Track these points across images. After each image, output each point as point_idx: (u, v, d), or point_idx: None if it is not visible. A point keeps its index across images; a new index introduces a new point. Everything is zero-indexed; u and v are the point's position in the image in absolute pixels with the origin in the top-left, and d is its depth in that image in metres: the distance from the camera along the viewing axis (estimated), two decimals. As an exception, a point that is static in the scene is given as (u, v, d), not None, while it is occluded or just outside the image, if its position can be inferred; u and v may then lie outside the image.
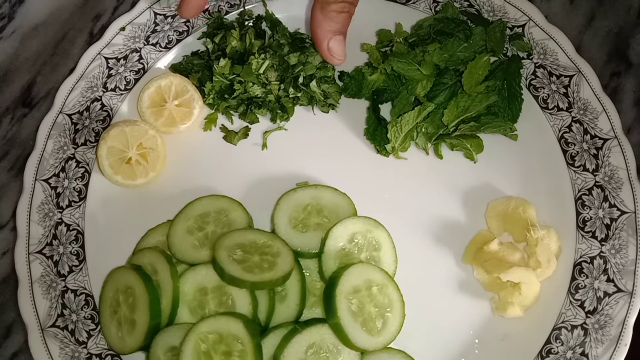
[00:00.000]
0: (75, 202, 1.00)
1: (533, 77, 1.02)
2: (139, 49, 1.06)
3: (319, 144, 1.03)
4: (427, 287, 0.95)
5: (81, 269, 0.97)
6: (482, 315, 0.94)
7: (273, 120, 1.04)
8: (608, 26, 1.10)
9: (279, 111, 1.03)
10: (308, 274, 0.94)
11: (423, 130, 1.00)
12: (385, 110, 1.04)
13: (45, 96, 1.11)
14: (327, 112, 1.05)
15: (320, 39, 0.92)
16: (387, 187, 1.01)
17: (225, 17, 1.07)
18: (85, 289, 0.96)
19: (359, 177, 1.01)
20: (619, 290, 0.91)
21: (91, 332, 0.94)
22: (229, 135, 1.03)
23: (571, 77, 1.00)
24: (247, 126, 1.04)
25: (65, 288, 0.95)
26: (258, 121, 1.04)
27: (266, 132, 1.04)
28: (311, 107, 1.05)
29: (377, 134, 1.02)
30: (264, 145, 1.03)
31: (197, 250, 0.92)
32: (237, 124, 1.05)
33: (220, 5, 1.08)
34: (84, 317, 0.94)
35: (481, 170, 1.00)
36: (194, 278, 0.88)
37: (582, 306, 0.92)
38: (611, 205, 0.95)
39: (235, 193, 0.99)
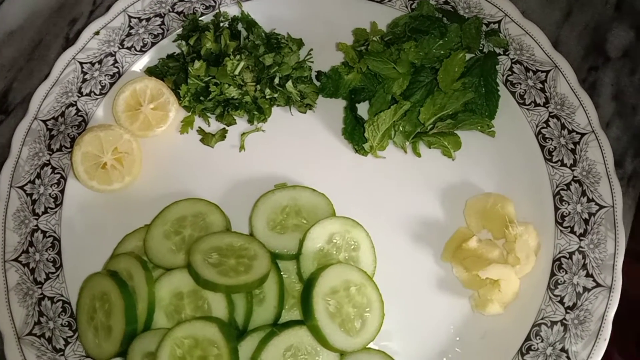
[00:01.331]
0: (52, 208, 0.99)
1: (510, 73, 1.01)
2: (113, 53, 1.05)
3: (297, 145, 1.03)
4: (407, 286, 0.95)
5: (58, 275, 0.96)
6: (463, 313, 0.94)
7: (250, 121, 1.03)
8: (585, 20, 1.10)
9: (255, 112, 1.02)
10: (287, 276, 0.93)
11: (400, 128, 0.99)
12: (363, 109, 1.03)
13: (21, 102, 1.10)
14: (305, 113, 1.04)
15: None
16: (366, 186, 1.00)
17: (200, 19, 1.06)
18: (62, 295, 0.95)
19: (337, 177, 1.01)
20: (598, 285, 0.91)
21: (69, 340, 0.93)
22: (206, 138, 1.03)
23: (547, 72, 1.00)
24: (224, 128, 1.03)
25: (42, 295, 0.94)
26: (235, 123, 1.03)
27: (244, 133, 1.03)
28: (289, 107, 1.04)
29: (355, 133, 1.01)
30: (242, 147, 1.03)
31: (174, 255, 0.92)
32: (214, 126, 1.04)
33: (195, 7, 1.07)
34: (61, 324, 0.93)
35: (459, 168, 0.99)
36: (169, 283, 0.88)
37: (561, 302, 0.91)
38: (589, 200, 0.94)
39: (213, 196, 0.98)
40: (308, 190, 0.97)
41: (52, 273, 0.96)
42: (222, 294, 0.85)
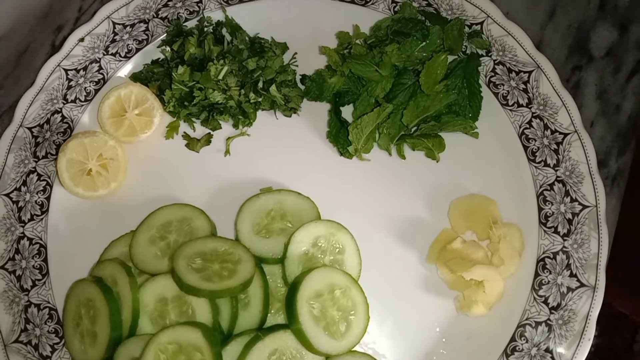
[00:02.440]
0: (38, 215, 0.99)
1: (492, 74, 1.02)
2: (98, 60, 1.06)
3: (283, 149, 1.03)
4: (392, 288, 0.95)
5: (44, 282, 0.96)
6: (448, 314, 0.94)
7: (235, 126, 1.04)
8: (569, 20, 1.10)
9: (240, 117, 1.03)
10: (272, 280, 0.94)
11: (384, 131, 1.00)
12: (348, 112, 1.03)
13: (8, 110, 1.10)
14: (290, 116, 1.04)
15: None
16: (351, 189, 1.01)
17: (184, 24, 1.07)
18: (49, 302, 0.95)
19: (323, 180, 1.01)
20: (582, 285, 0.91)
21: (55, 346, 0.93)
22: (192, 143, 1.03)
23: (530, 72, 1.00)
24: (210, 133, 1.04)
25: (28, 302, 0.95)
26: (220, 127, 1.04)
27: (229, 138, 1.03)
28: (274, 111, 1.05)
29: (340, 136, 1.01)
30: (227, 152, 1.03)
31: (159, 260, 0.92)
32: (200, 131, 1.04)
33: (179, 13, 1.07)
34: (48, 331, 0.94)
35: (443, 169, 1.00)
36: (153, 288, 0.88)
37: (546, 302, 0.92)
38: (572, 200, 0.95)
39: (198, 201, 0.99)
40: (293, 193, 0.98)
41: (39, 280, 0.96)
42: (206, 299, 0.86)
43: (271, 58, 1.02)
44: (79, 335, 0.89)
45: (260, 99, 1.02)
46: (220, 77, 0.99)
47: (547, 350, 0.89)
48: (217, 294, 0.84)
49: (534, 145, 0.98)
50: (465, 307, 0.92)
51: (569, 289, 0.91)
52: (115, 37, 1.06)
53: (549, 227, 0.95)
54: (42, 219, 0.99)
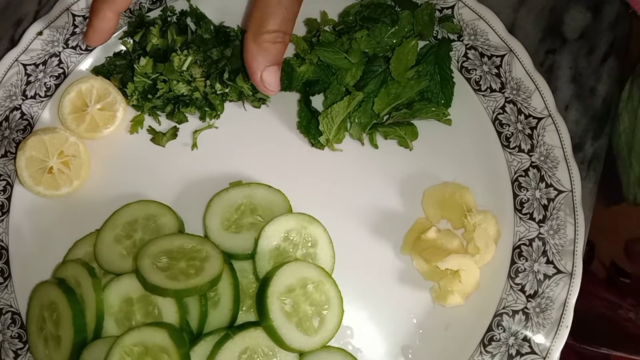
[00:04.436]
0: (-2, 216, 0.95)
1: (464, 59, 0.99)
2: (58, 53, 1.02)
3: (252, 141, 1.00)
4: (367, 280, 0.93)
5: (6, 286, 0.93)
6: (424, 306, 0.92)
7: (202, 118, 1.00)
8: (542, 3, 1.08)
9: (207, 109, 0.99)
10: (244, 277, 0.91)
11: (356, 120, 0.97)
12: (319, 102, 1.01)
13: (-34, 108, 1.06)
14: (259, 107, 1.01)
15: (254, 69, 0.86)
16: (324, 180, 0.98)
17: (147, 14, 1.03)
18: (12, 306, 0.92)
19: (294, 172, 0.98)
20: (559, 271, 0.90)
21: (19, 352, 0.90)
22: (157, 137, 1.00)
23: (502, 56, 0.98)
24: (176, 126, 1.00)
25: (-11, 307, 0.91)
26: (187, 120, 1.00)
27: (196, 131, 1.00)
28: (242, 102, 1.02)
29: (311, 126, 0.99)
30: (194, 145, 1.00)
31: (124, 260, 0.89)
32: (165, 124, 1.01)
33: (141, 3, 1.04)
34: (11, 336, 0.90)
35: (417, 158, 0.97)
36: (118, 289, 0.85)
37: (522, 290, 0.90)
38: (548, 185, 0.93)
39: (165, 197, 0.96)
40: (263, 186, 0.95)
41: (1, 284, 0.93)
42: (173, 298, 0.83)
43: (237, 47, 0.99)
44: (43, 339, 0.86)
45: (227, 90, 0.99)
46: (185, 67, 0.96)
47: (525, 339, 0.88)
48: (183, 292, 0.81)
49: (508, 130, 0.96)
50: (442, 298, 0.90)
51: (546, 276, 0.90)
52: (75, 30, 1.02)
53: (525, 214, 0.93)
54: (2, 219, 0.95)
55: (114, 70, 1.00)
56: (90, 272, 0.85)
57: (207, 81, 0.98)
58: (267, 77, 0.85)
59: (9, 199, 0.96)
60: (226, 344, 0.82)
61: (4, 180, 0.97)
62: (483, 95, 0.98)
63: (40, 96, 1.01)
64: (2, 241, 0.95)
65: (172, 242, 0.87)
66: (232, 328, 0.86)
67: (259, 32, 0.83)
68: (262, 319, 0.84)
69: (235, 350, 0.82)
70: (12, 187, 0.97)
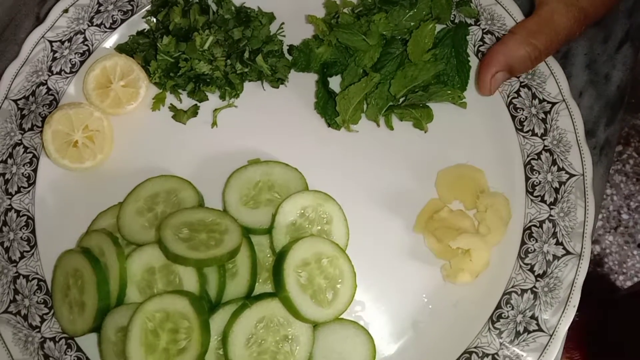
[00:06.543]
0: (25, 187, 0.99)
1: (481, 43, 1.01)
2: (83, 31, 1.04)
3: (270, 120, 1.02)
4: (380, 257, 0.96)
5: (33, 254, 0.96)
6: (435, 282, 0.95)
7: (222, 97, 1.03)
8: (559, -11, 1.09)
9: (227, 88, 1.02)
10: (260, 250, 0.94)
11: (372, 102, 0.99)
12: (336, 83, 1.03)
13: (-7, 83, 1.09)
14: (277, 87, 1.04)
15: (493, 64, 0.89)
16: (339, 160, 1.00)
17: (170, -7, 1.05)
18: (38, 274, 0.96)
19: (310, 151, 1.01)
20: (568, 252, 0.92)
21: (44, 317, 0.94)
22: (178, 114, 1.02)
23: (518, 41, 0.99)
24: (196, 104, 1.03)
25: (17, 274, 0.95)
26: (207, 99, 1.03)
27: (216, 109, 1.03)
28: (261, 82, 1.04)
29: (328, 107, 1.01)
30: (214, 123, 1.02)
31: (146, 231, 0.92)
32: (186, 102, 1.04)
33: (164, -18, 1.06)
34: (37, 301, 0.94)
35: (431, 140, 0.99)
36: (141, 258, 0.88)
37: (531, 270, 0.92)
38: (559, 169, 0.95)
39: (185, 172, 0.98)
40: (281, 165, 0.98)
41: (27, 252, 0.96)
42: (193, 268, 0.86)
43: (257, 28, 1.01)
44: (68, 305, 0.89)
45: (247, 70, 1.01)
46: (206, 47, 0.98)
47: (533, 317, 0.90)
48: (203, 262, 0.85)
49: (522, 114, 0.98)
50: (452, 276, 0.93)
51: (555, 257, 0.92)
52: (99, 8, 1.05)
53: (536, 196, 0.95)
54: (29, 191, 0.99)
55: (137, 48, 1.03)
56: (115, 242, 0.88)
57: (228, 61, 1.00)
58: (499, 77, 0.90)
59: (35, 171, 1.00)
60: (244, 312, 0.85)
61: (30, 152, 1.00)
62: (498, 79, 0.99)
63: (65, 72, 1.03)
64: (29, 211, 0.98)
65: (193, 215, 0.90)
66: (250, 298, 0.89)
67: (528, 41, 0.88)
68: (278, 290, 0.87)
69: (253, 319, 0.85)
70: (38, 159, 1.00)
